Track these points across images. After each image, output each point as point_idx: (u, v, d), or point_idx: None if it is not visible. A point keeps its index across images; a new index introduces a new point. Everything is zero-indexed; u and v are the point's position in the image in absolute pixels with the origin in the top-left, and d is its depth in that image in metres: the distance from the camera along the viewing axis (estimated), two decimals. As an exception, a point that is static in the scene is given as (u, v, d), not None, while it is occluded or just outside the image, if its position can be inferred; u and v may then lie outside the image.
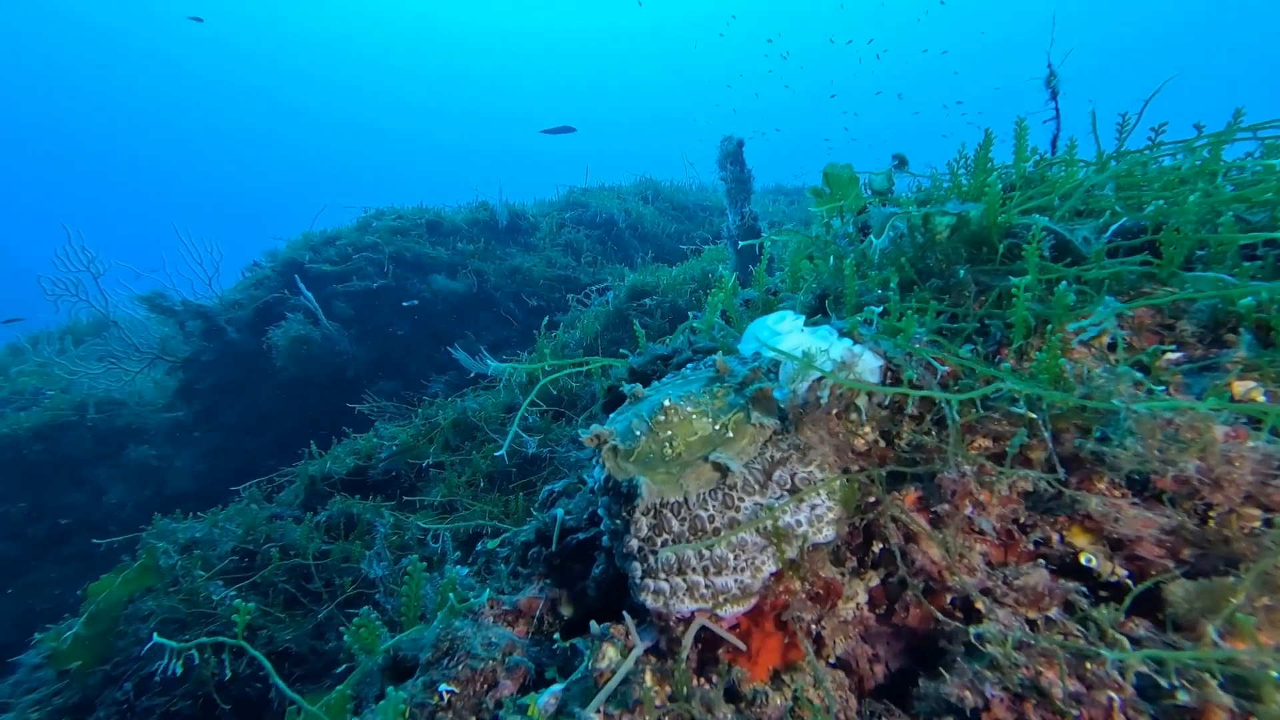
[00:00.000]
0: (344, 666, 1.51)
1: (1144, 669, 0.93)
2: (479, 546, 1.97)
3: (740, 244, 4.42)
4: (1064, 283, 1.30)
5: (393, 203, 10.94)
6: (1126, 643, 0.95)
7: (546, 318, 6.21)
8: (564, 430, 5.25)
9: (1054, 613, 1.04)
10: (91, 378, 8.89)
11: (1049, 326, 1.32)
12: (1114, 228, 1.41)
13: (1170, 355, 1.22)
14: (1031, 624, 1.05)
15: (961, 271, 1.47)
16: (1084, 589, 1.04)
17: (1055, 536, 1.12)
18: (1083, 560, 1.07)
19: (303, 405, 8.78)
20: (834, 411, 1.33)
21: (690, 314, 1.89)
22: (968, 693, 0.98)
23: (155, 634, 2.76)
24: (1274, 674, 0.86)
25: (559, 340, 6.66)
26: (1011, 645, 0.98)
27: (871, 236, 1.61)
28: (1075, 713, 0.93)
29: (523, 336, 9.09)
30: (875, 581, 1.32)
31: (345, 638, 1.48)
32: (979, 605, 1.14)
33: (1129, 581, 1.03)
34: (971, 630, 1.04)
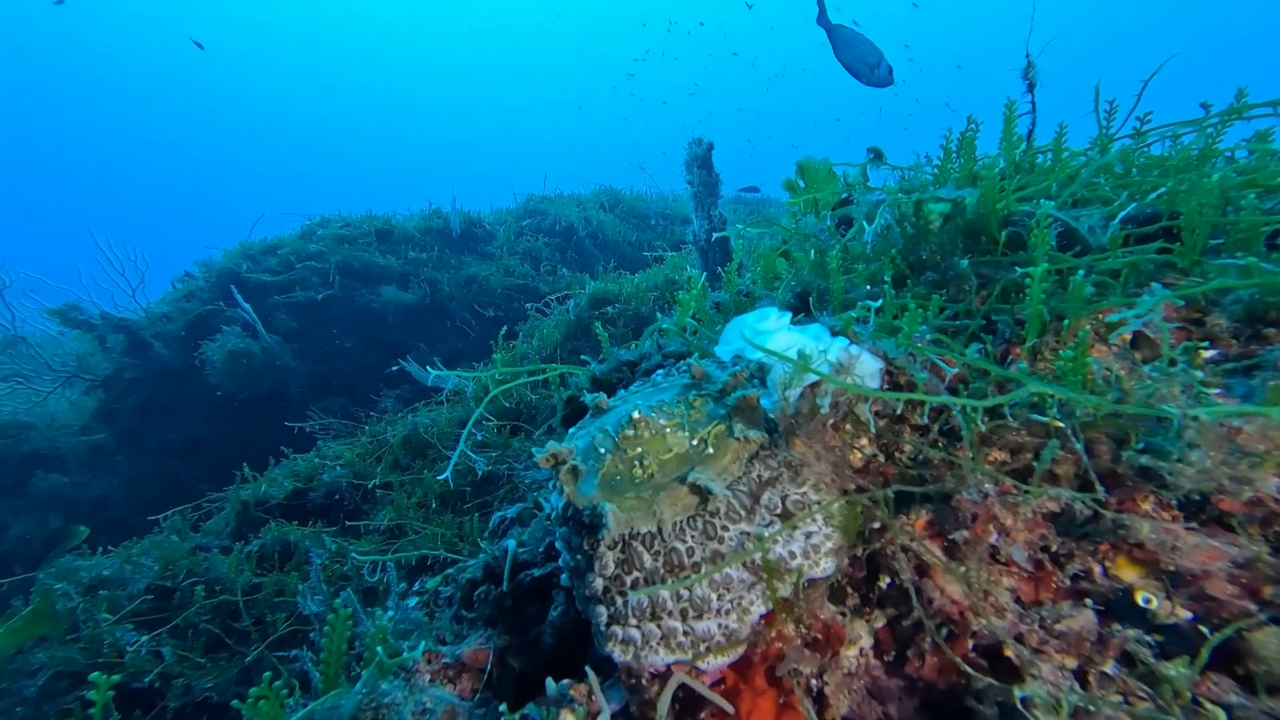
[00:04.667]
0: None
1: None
2: (417, 585, 1.70)
3: (714, 235, 4.26)
4: (1080, 272, 1.16)
5: (339, 211, 10.45)
6: (1221, 714, 0.78)
7: (504, 327, 5.92)
8: (522, 445, 4.97)
9: (1110, 667, 0.87)
10: (-5, 399, 8.10)
11: (1065, 322, 1.17)
12: (1122, 215, 1.28)
13: (1206, 354, 1.08)
14: (1080, 678, 0.88)
15: (964, 262, 1.31)
16: (1147, 638, 0.87)
17: (1097, 569, 0.96)
18: (1138, 599, 0.90)
19: (240, 426, 8.21)
20: (831, 422, 1.15)
21: (658, 313, 1.69)
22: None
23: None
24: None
25: (517, 351, 6.38)
26: (1068, 714, 0.80)
27: (862, 221, 1.45)
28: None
29: (479, 348, 8.75)
30: (881, 622, 1.14)
31: (244, 714, 1.20)
32: (1010, 654, 0.97)
33: (1201, 628, 0.87)
34: (1017, 692, 0.85)
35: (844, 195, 2.20)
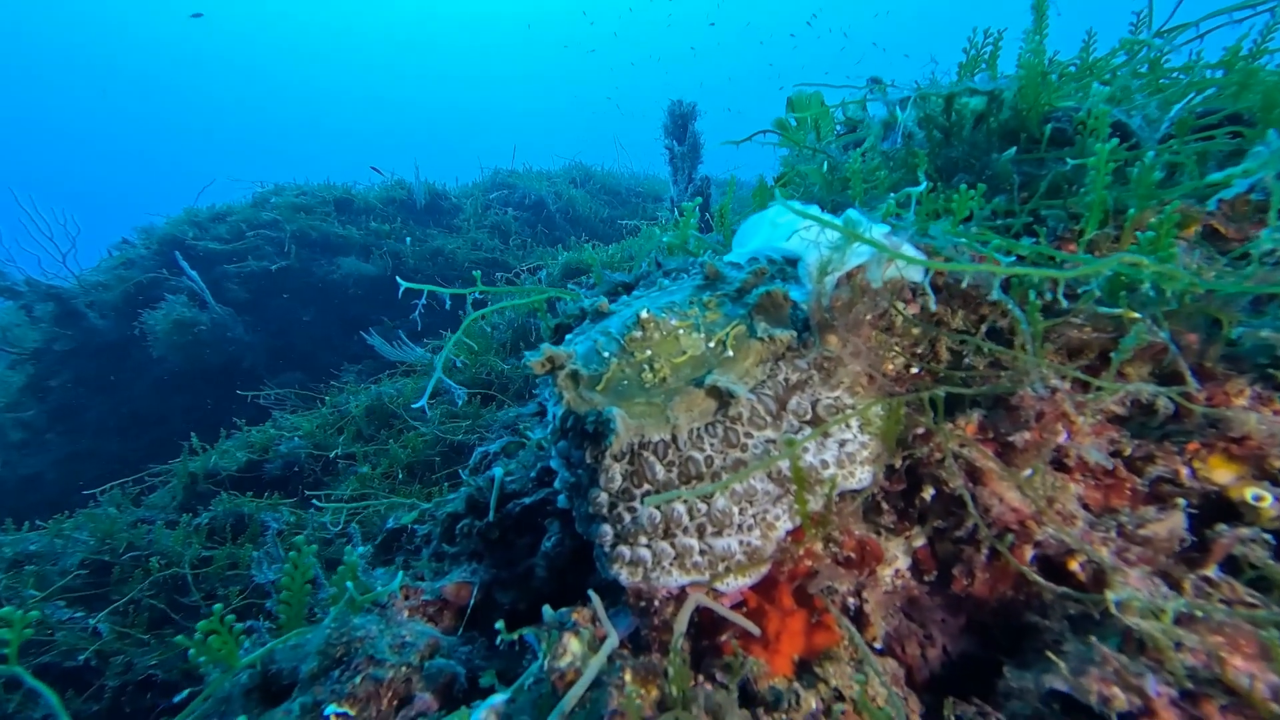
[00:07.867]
0: (185, 693, 1.04)
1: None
2: (389, 522, 1.52)
3: (696, 187, 4.11)
4: (1149, 155, 1.04)
5: (294, 180, 9.91)
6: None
7: (473, 295, 5.67)
8: (494, 415, 4.77)
9: (1213, 571, 0.76)
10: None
11: (1130, 212, 1.05)
12: (1180, 105, 1.17)
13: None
14: (1174, 587, 0.76)
15: (1005, 155, 1.19)
16: (1265, 534, 0.76)
17: (1184, 470, 0.85)
18: (1246, 497, 0.79)
19: (189, 402, 7.74)
20: (869, 316, 1.01)
21: (655, 230, 1.53)
22: (1114, 689, 0.67)
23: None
24: None
25: (489, 320, 6.13)
26: (1172, 618, 0.68)
27: (896, 111, 1.31)
28: None
29: (446, 321, 8.43)
30: (921, 541, 1.01)
31: (190, 651, 1.02)
32: (1075, 567, 0.85)
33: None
34: (1110, 595, 0.73)
35: (842, 130, 2.07)
